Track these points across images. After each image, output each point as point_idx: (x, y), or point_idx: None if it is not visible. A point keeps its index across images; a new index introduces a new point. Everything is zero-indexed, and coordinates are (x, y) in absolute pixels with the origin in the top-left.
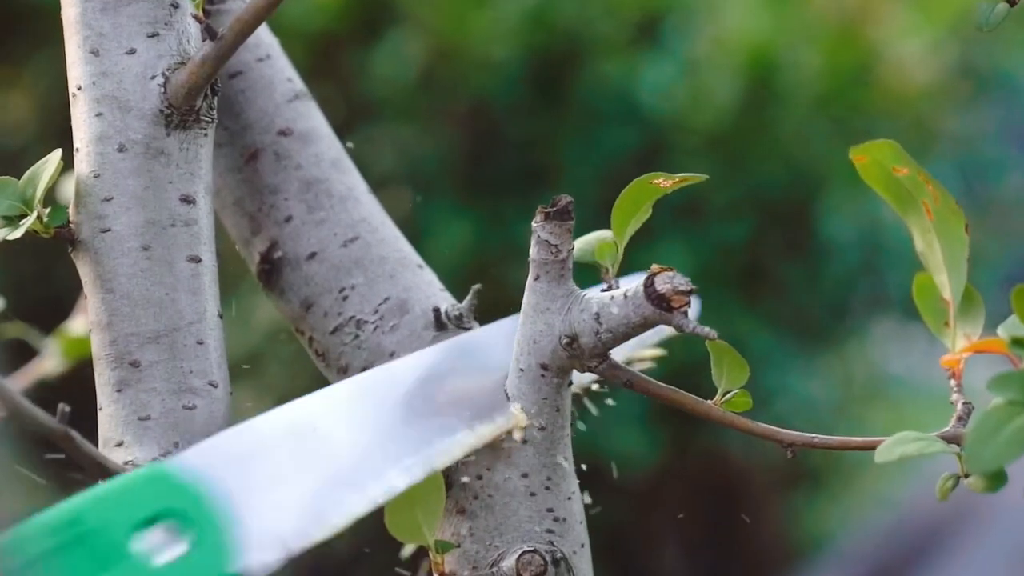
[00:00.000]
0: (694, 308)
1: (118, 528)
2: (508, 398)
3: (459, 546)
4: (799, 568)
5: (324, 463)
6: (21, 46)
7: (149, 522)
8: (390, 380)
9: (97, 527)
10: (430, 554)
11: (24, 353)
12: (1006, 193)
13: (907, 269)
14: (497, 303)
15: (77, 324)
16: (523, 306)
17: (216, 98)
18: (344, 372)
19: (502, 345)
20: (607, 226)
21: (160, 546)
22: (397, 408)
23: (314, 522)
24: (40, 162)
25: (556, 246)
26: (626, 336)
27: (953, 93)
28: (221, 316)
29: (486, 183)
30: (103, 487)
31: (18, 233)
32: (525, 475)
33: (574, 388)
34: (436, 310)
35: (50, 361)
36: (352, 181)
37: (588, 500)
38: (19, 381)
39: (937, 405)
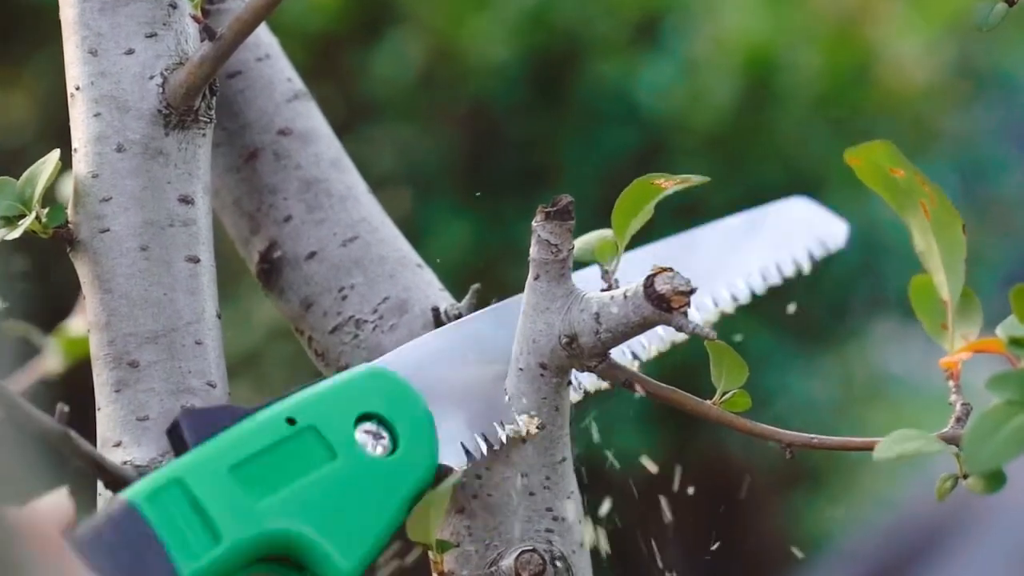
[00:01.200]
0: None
1: (338, 423)
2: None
3: (458, 545)
4: (799, 568)
5: (491, 381)
6: (21, 46)
7: (362, 418)
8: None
9: (318, 422)
10: (430, 554)
11: (25, 352)
12: (1006, 193)
13: (907, 270)
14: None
15: (77, 323)
16: (523, 305)
17: (214, 98)
18: None
19: None
20: (607, 225)
21: (369, 441)
22: None
23: (486, 433)
24: (38, 162)
25: (556, 246)
26: (626, 336)
27: (952, 92)
28: (219, 316)
29: (486, 183)
30: (324, 384)
31: (16, 233)
32: (524, 474)
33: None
34: (435, 310)
35: (51, 360)
36: (351, 181)
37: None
38: (20, 380)
39: (937, 405)
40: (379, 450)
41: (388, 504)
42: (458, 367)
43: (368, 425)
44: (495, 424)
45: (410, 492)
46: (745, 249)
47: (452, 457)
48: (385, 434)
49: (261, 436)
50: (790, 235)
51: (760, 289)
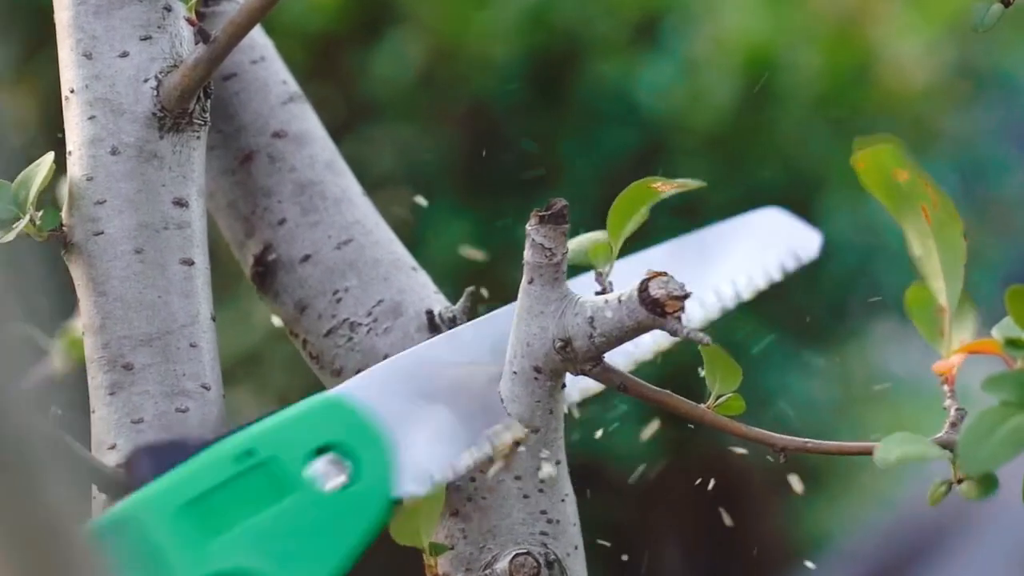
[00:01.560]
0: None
1: (294, 456)
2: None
3: (452, 548)
4: (799, 568)
5: (461, 401)
6: (22, 46)
7: (320, 451)
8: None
9: (275, 455)
10: (424, 556)
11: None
12: (1006, 193)
13: (906, 271)
14: (497, 304)
15: (80, 324)
16: (517, 309)
17: (209, 101)
18: (338, 375)
19: None
20: (606, 225)
21: (326, 474)
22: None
23: (456, 457)
24: (32, 165)
25: (550, 250)
26: (620, 340)
27: (952, 93)
28: (214, 319)
29: (486, 183)
30: (279, 416)
31: (10, 236)
32: (518, 477)
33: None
34: (429, 312)
35: (56, 361)
36: (346, 183)
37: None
38: (27, 382)
39: (936, 406)
40: (336, 483)
41: (344, 539)
42: (425, 391)
43: (326, 457)
44: (465, 451)
45: (367, 526)
46: (718, 262)
47: (415, 485)
48: (344, 466)
49: (214, 472)
50: (763, 247)
51: (732, 302)
